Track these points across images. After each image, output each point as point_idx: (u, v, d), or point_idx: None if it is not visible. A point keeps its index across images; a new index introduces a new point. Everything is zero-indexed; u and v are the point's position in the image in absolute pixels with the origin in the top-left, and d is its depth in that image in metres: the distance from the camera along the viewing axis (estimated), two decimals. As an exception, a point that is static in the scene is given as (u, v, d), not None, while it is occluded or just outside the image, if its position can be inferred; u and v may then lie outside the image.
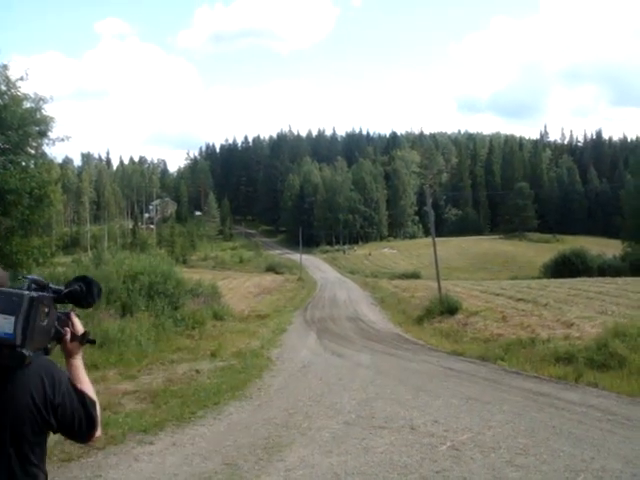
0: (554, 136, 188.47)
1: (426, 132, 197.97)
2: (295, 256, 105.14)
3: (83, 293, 2.65)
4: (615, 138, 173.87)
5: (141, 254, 29.38)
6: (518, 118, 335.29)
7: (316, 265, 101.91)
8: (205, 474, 6.39)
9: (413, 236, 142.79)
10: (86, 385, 2.63)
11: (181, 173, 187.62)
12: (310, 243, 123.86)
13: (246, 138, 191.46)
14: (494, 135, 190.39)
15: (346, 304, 48.81)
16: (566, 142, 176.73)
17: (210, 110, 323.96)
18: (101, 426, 2.58)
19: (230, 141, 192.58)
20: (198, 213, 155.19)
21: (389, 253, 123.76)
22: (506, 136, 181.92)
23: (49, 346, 2.57)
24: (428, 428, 8.63)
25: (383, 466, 6.77)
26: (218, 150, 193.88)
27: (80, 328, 2.68)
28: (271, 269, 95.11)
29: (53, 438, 7.13)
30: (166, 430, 8.24)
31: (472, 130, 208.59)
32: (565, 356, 16.64)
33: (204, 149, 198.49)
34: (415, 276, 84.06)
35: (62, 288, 2.63)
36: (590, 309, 29.93)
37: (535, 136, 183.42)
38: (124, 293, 21.57)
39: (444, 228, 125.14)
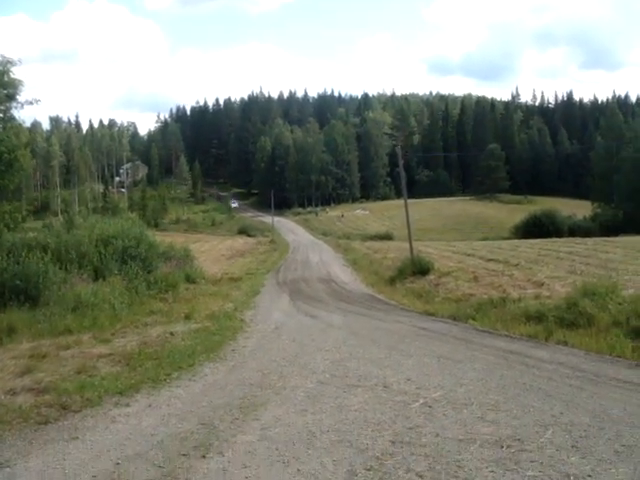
0: (525, 97, 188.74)
1: (398, 93, 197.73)
2: (267, 218, 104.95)
3: None
4: (586, 100, 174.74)
5: (113, 218, 29.12)
6: (489, 80, 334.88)
7: (288, 227, 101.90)
8: (181, 434, 6.44)
9: (385, 197, 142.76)
10: None
11: (151, 136, 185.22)
12: (282, 205, 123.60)
13: (217, 100, 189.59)
14: (466, 96, 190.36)
15: (318, 266, 48.97)
16: (537, 104, 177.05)
17: (180, 72, 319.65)
18: None
19: (201, 103, 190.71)
20: (169, 176, 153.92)
21: (361, 215, 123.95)
22: (478, 97, 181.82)
23: None
24: (401, 386, 8.76)
25: (357, 423, 6.87)
26: (189, 112, 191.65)
27: None
28: (243, 231, 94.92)
29: (29, 401, 7.16)
30: (142, 392, 8.28)
31: (444, 91, 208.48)
32: (536, 315, 16.88)
33: (175, 112, 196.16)
34: (388, 237, 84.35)
35: None
36: (560, 269, 30.34)
37: (507, 97, 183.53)
38: (96, 257, 21.45)
39: (416, 189, 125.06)
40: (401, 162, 42.14)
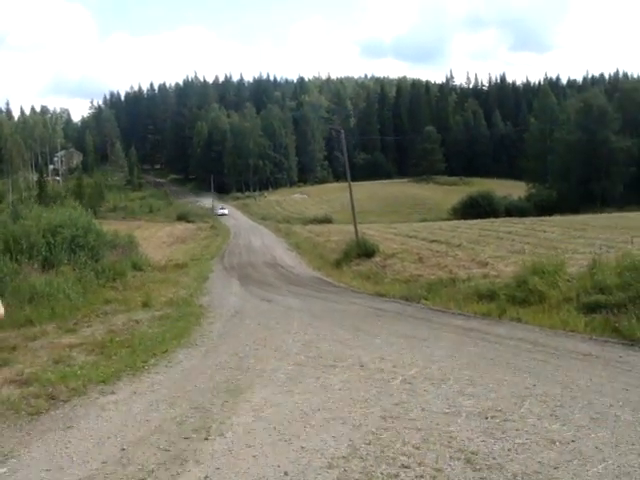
0: (459, 80, 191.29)
1: (333, 77, 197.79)
2: (206, 204, 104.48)
3: None
4: (518, 82, 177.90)
5: (61, 207, 28.61)
6: (422, 62, 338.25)
7: (228, 212, 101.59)
8: (177, 419, 6.54)
9: (323, 181, 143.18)
10: None
11: (85, 123, 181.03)
12: (221, 190, 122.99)
13: (152, 85, 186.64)
14: (401, 79, 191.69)
15: (262, 250, 49.10)
16: (471, 86, 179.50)
17: (111, 57, 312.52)
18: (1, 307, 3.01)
19: (135, 89, 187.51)
20: (105, 163, 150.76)
21: (300, 198, 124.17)
22: (413, 80, 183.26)
23: None
24: (376, 365, 9.01)
25: (345, 401, 7.08)
26: (123, 98, 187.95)
27: None
28: (182, 218, 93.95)
29: (15, 393, 7.16)
30: (123, 379, 8.31)
31: (379, 74, 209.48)
32: (487, 294, 17.38)
33: (108, 97, 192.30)
34: (327, 221, 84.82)
35: None
36: (502, 249, 31.15)
37: (441, 80, 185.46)
38: (45, 247, 21.14)
39: (354, 172, 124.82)
40: (344, 146, 42.43)
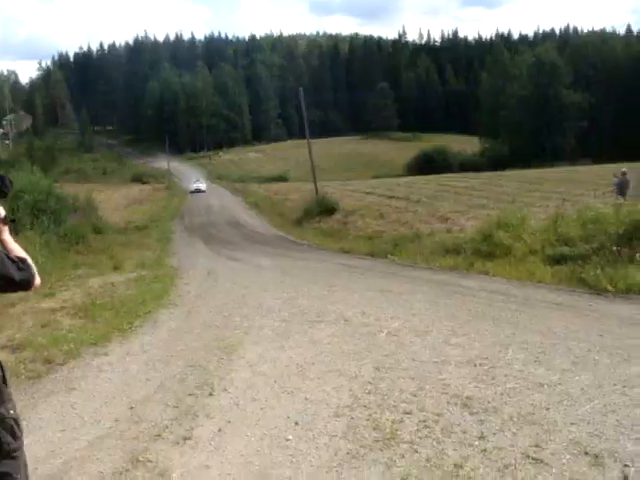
0: (412, 36, 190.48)
1: (285, 34, 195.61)
2: (160, 164, 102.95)
3: None
4: (470, 38, 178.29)
5: (20, 172, 28.11)
6: (373, 19, 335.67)
7: (182, 171, 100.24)
8: (177, 377, 6.69)
9: (277, 139, 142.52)
10: (17, 252, 3.28)
11: (34, 85, 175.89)
12: (175, 151, 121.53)
13: (101, 45, 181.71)
14: (353, 36, 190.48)
15: (222, 210, 48.94)
16: (423, 42, 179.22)
17: (58, 16, 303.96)
18: (38, 275, 3.23)
19: (85, 49, 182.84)
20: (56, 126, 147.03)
21: (254, 157, 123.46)
22: (365, 37, 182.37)
23: None
24: (360, 319, 9.26)
25: (336, 355, 7.32)
26: (72, 59, 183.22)
27: (2, 212, 3.36)
28: (137, 179, 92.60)
29: (10, 358, 7.23)
30: (113, 341, 8.39)
31: (331, 31, 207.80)
32: (453, 248, 17.77)
33: (57, 58, 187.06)
34: (283, 179, 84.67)
35: None
36: (461, 204, 31.63)
37: (393, 37, 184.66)
38: (9, 212, 20.87)
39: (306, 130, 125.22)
40: (303, 104, 42.22)
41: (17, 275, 3.25)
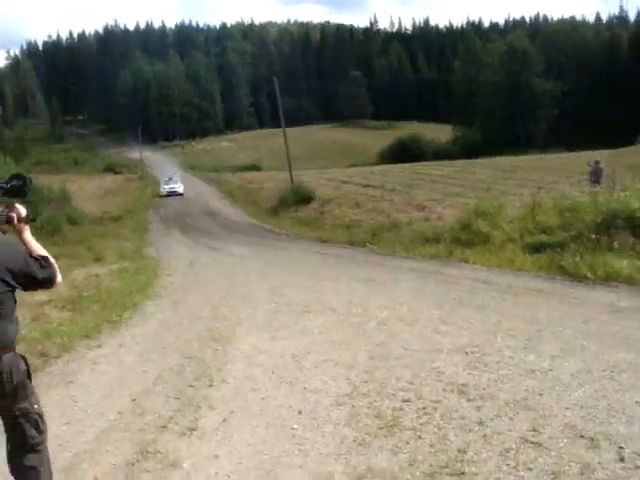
0: (383, 24, 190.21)
1: (256, 22, 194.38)
2: (133, 154, 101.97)
3: (21, 186, 3.52)
4: (441, 26, 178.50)
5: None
6: (343, 7, 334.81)
7: (155, 161, 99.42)
8: (174, 369, 6.73)
9: (249, 128, 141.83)
10: (39, 250, 3.49)
11: (3, 74, 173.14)
12: (148, 140, 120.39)
13: (70, 34, 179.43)
14: (324, 24, 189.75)
15: (196, 200, 48.78)
16: (395, 30, 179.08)
17: (27, 4, 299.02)
18: (59, 273, 3.42)
19: (54, 37, 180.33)
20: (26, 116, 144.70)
21: (227, 146, 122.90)
22: (337, 25, 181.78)
23: (5, 228, 3.44)
24: (347, 308, 9.38)
25: (329, 344, 7.43)
26: (41, 47, 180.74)
27: (24, 212, 3.57)
28: (110, 169, 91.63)
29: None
30: (105, 333, 8.43)
31: (302, 19, 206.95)
32: (433, 237, 17.94)
33: (25, 47, 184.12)
34: (256, 168, 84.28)
35: (3, 184, 3.45)
36: (436, 192, 31.85)
37: (365, 25, 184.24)
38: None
39: (280, 119, 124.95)
40: (278, 94, 42.20)
41: (40, 273, 3.34)
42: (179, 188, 53.83)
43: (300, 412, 5.33)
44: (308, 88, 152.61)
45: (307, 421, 5.13)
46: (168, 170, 75.35)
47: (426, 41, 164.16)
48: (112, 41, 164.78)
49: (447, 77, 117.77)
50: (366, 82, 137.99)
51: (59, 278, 3.44)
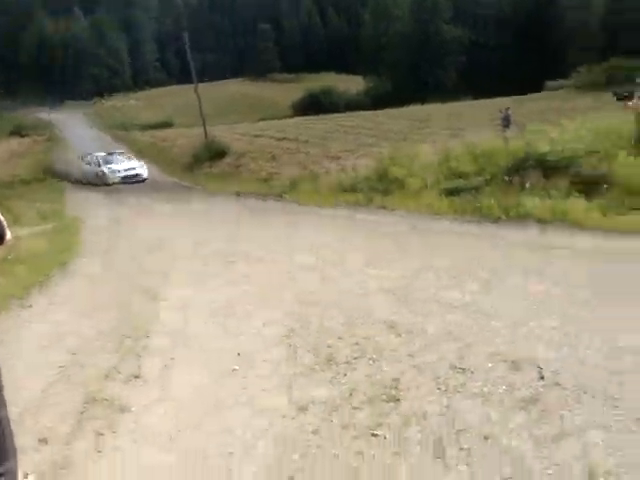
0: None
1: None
2: (41, 116, 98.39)
3: None
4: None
5: None
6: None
7: (64, 122, 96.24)
8: (110, 322, 6.72)
9: (157, 84, 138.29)
10: None
11: None
12: (55, 101, 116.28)
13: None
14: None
15: (107, 157, 47.41)
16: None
17: None
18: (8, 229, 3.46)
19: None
20: None
21: (135, 104, 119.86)
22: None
23: None
24: (273, 256, 9.60)
25: (260, 291, 7.61)
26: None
27: None
28: (16, 132, 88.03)
29: None
30: (34, 293, 8.28)
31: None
32: (350, 186, 18.27)
33: None
34: (167, 125, 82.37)
35: None
36: (350, 143, 32.13)
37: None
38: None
39: (188, 74, 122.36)
40: (188, 50, 41.56)
41: None
42: (140, 169, 32.39)
43: (239, 354, 5.50)
44: (217, 43, 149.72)
45: (247, 362, 5.30)
46: (77, 128, 72.68)
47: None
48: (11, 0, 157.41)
49: (357, 30, 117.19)
50: (274, 36, 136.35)
51: (9, 234, 3.48)
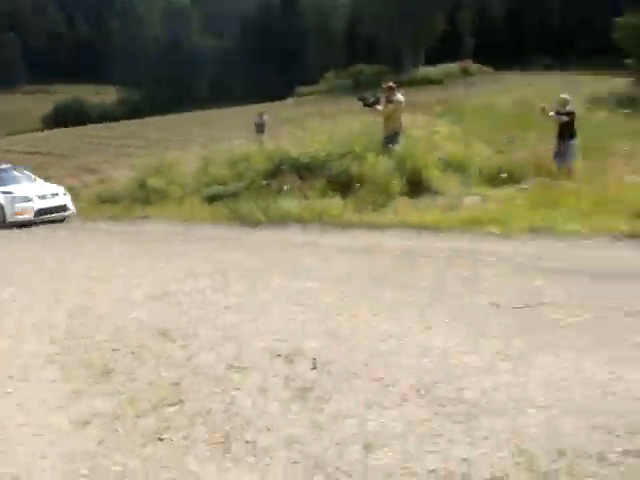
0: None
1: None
2: None
3: None
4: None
5: None
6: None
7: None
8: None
9: None
10: None
11: None
12: None
13: None
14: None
15: None
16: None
17: None
18: None
19: None
20: None
21: None
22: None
23: None
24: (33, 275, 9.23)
25: (22, 309, 7.26)
26: None
27: None
28: None
29: None
30: None
31: None
32: (110, 198, 17.88)
33: None
34: None
35: None
36: (106, 154, 31.51)
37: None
38: None
39: None
40: None
41: None
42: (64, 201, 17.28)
43: (11, 377, 5.24)
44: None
45: (20, 383, 5.05)
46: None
47: (82, 3, 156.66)
48: None
49: (109, 38, 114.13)
50: (20, 45, 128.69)
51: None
